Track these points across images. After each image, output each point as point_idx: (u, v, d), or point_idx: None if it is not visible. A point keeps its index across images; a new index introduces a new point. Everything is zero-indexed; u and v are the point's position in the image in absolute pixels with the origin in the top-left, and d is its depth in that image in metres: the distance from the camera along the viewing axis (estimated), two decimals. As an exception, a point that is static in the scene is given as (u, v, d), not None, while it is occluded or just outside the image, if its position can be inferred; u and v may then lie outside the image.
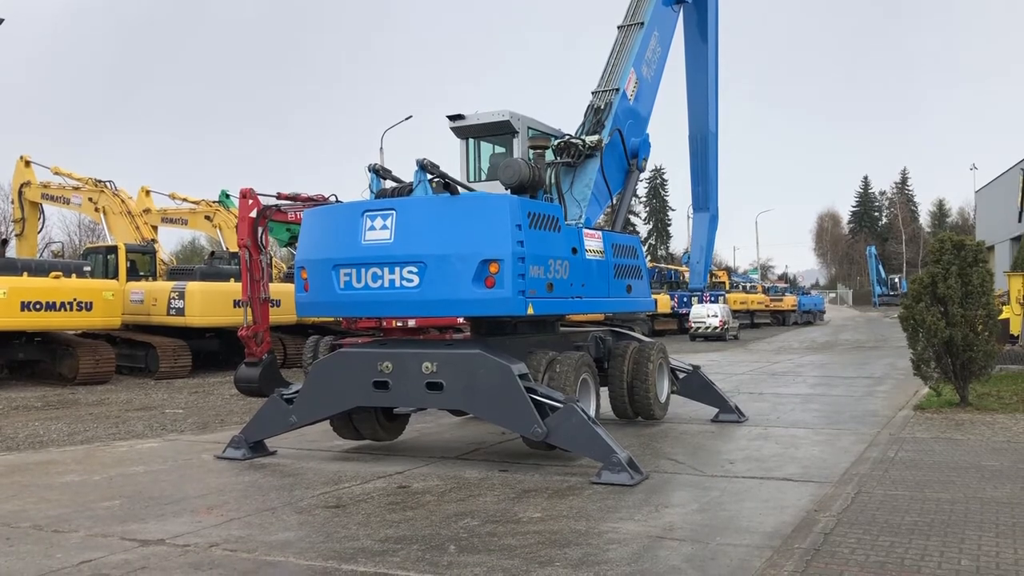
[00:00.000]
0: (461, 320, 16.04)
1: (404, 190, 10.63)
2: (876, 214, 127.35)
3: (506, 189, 9.96)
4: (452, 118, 11.35)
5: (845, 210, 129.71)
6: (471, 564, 5.79)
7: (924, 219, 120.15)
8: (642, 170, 13.41)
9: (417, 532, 6.65)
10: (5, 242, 21.43)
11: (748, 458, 9.61)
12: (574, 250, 10.27)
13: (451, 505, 7.55)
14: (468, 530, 6.69)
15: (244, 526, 6.92)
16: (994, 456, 9.16)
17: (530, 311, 9.19)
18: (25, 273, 18.49)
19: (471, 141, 11.69)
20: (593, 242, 10.89)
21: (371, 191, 10.94)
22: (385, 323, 17.97)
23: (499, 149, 11.54)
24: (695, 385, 12.85)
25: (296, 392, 10.06)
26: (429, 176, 10.29)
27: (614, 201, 12.91)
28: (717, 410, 12.66)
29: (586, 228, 10.96)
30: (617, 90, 12.90)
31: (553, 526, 6.77)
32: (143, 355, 21.32)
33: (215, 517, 7.24)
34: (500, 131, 11.09)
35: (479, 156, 11.85)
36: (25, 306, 17.81)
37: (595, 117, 12.75)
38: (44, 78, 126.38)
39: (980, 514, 6.73)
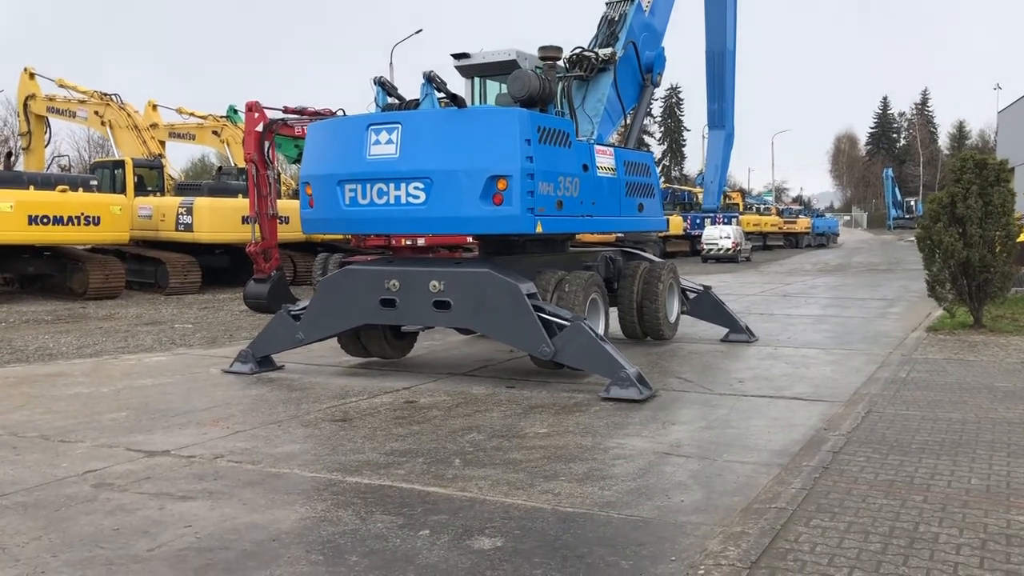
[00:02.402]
0: (470, 239, 15.90)
1: (411, 104, 10.36)
2: (894, 136, 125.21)
3: (515, 102, 9.67)
4: (457, 56, 10.94)
5: (863, 131, 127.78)
6: (476, 477, 5.76)
7: (944, 141, 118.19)
8: (657, 85, 13.04)
9: (423, 446, 6.63)
10: (11, 155, 21.25)
11: (757, 377, 9.54)
12: (585, 167, 10.02)
13: (457, 420, 7.52)
14: (474, 444, 6.66)
15: (250, 438, 6.92)
16: (1007, 377, 9.05)
17: (539, 229, 9.01)
18: (32, 187, 18.36)
19: (476, 80, 11.30)
20: (605, 159, 10.63)
21: (377, 105, 10.67)
22: (394, 241, 17.85)
23: (505, 88, 11.18)
24: (706, 305, 12.73)
25: (303, 309, 9.99)
26: (438, 95, 9.98)
27: (627, 117, 12.58)
28: (727, 330, 12.57)
29: (598, 144, 10.69)
30: (632, 1, 12.45)
31: (559, 441, 6.73)
32: (152, 270, 21.33)
33: (221, 429, 7.24)
34: (506, 70, 10.65)
35: (484, 95, 11.50)
36: (32, 220, 17.74)
37: (609, 29, 12.34)
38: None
39: (992, 434, 6.65)
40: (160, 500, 5.33)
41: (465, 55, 10.85)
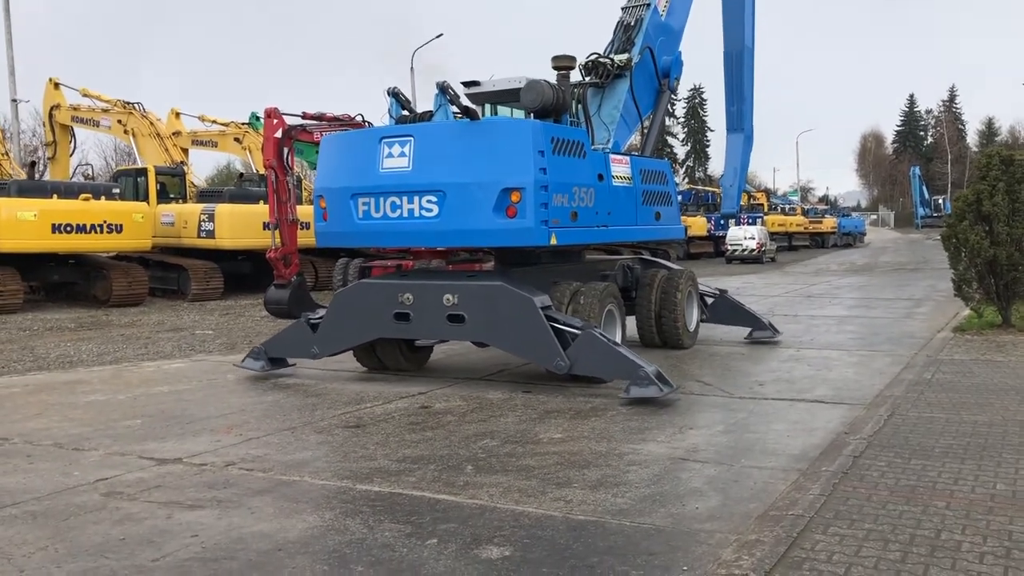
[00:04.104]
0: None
1: (424, 116, 10.32)
2: (921, 134, 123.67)
3: (528, 113, 9.58)
4: (467, 84, 10.89)
5: (889, 130, 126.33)
6: (487, 484, 5.68)
7: (972, 138, 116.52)
8: (674, 90, 12.91)
9: (435, 452, 6.55)
10: (34, 164, 21.47)
11: (778, 380, 9.38)
12: (600, 177, 9.92)
13: (471, 426, 7.45)
14: (487, 450, 6.58)
15: (262, 446, 6.88)
16: (1036, 378, 8.83)
17: (553, 241, 8.93)
18: (55, 195, 18.53)
19: (487, 107, 11.25)
20: (620, 168, 10.51)
21: (391, 116, 10.62)
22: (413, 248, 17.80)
23: (517, 114, 11.06)
24: (724, 309, 12.59)
25: (321, 317, 9.97)
26: (454, 110, 9.90)
27: (644, 123, 12.45)
28: (749, 331, 12.40)
29: (613, 153, 10.57)
30: (648, 5, 12.33)
31: (573, 447, 6.63)
32: (175, 277, 21.45)
33: (234, 436, 7.21)
34: (516, 98, 10.55)
35: None
36: (56, 228, 17.88)
37: (624, 34, 12.23)
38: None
39: (1019, 437, 6.47)
40: (168, 509, 5.30)
41: (475, 83, 10.75)
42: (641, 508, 5.16)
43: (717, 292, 12.69)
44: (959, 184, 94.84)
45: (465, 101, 10.20)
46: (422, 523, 4.96)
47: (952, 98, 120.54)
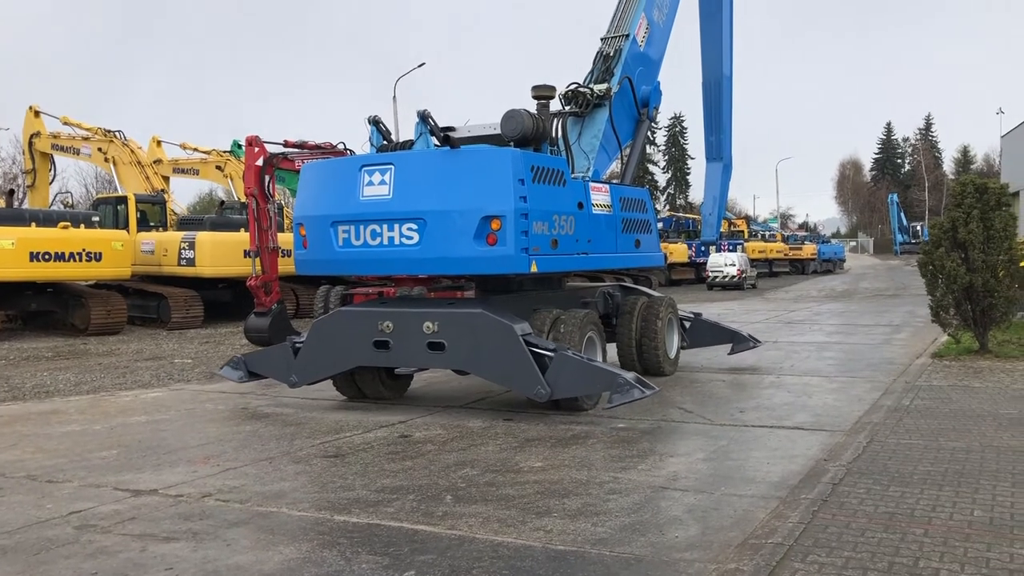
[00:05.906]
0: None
1: (407, 144, 10.36)
2: (899, 161, 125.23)
3: (508, 142, 9.65)
4: (443, 130, 10.96)
5: (867, 157, 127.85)
6: (466, 515, 5.64)
7: (948, 166, 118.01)
8: (653, 119, 13.03)
9: (414, 482, 6.51)
10: (12, 192, 21.33)
11: (759, 407, 9.40)
12: (580, 205, 9.98)
13: (451, 455, 7.41)
14: (467, 480, 6.55)
15: (240, 476, 6.81)
16: (1012, 404, 8.89)
17: (533, 269, 8.97)
18: (33, 224, 18.38)
19: None
20: (600, 196, 10.59)
21: (371, 144, 10.67)
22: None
23: None
24: (703, 330, 12.68)
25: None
26: (435, 141, 9.94)
27: (624, 152, 12.55)
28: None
29: (593, 181, 10.65)
30: (627, 36, 12.46)
31: (554, 476, 6.61)
32: (155, 305, 21.27)
33: (211, 467, 7.13)
34: (492, 144, 10.62)
35: None
36: (34, 256, 17.71)
37: (604, 64, 12.35)
38: (52, 26, 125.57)
39: (996, 463, 6.51)
40: (143, 541, 5.22)
41: (450, 129, 10.81)
42: (621, 537, 5.14)
43: (692, 315, 12.78)
44: (937, 211, 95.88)
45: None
46: (400, 555, 4.91)
47: (928, 126, 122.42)
